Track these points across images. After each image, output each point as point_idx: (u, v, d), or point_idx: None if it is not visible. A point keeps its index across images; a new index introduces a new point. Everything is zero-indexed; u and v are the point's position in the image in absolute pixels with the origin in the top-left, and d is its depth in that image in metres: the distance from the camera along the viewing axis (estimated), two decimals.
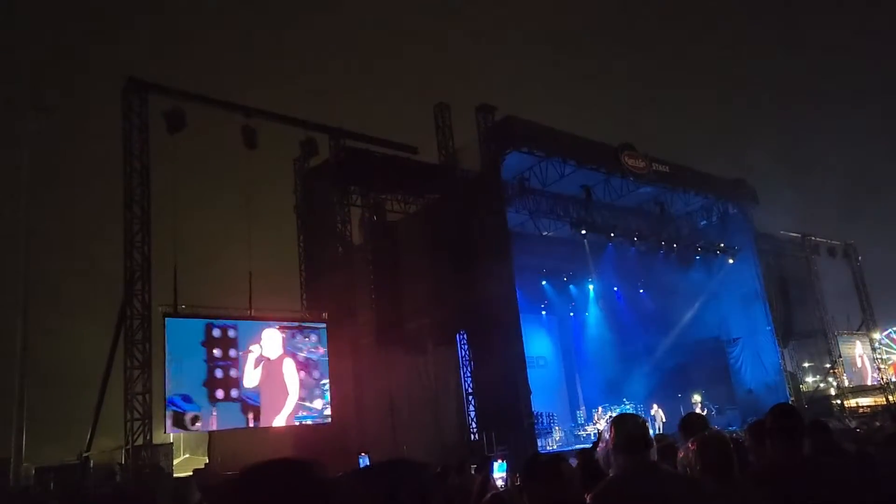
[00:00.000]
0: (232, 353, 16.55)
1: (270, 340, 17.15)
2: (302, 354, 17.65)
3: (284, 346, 17.41)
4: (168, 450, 16.01)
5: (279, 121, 18.64)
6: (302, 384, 17.44)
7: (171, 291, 16.21)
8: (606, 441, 3.10)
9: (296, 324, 17.99)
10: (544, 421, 22.95)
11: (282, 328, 17.49)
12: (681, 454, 3.43)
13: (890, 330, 38.60)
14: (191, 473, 14.94)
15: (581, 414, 25.92)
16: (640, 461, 2.87)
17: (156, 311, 15.90)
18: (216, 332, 16.45)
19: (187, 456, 18.42)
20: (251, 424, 16.55)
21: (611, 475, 2.97)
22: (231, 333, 16.67)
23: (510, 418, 17.94)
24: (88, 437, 15.39)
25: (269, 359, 17.00)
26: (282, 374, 17.19)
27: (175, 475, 15.46)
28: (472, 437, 18.39)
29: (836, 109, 38.82)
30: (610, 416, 23.58)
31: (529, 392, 18.91)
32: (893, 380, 36.23)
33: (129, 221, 15.86)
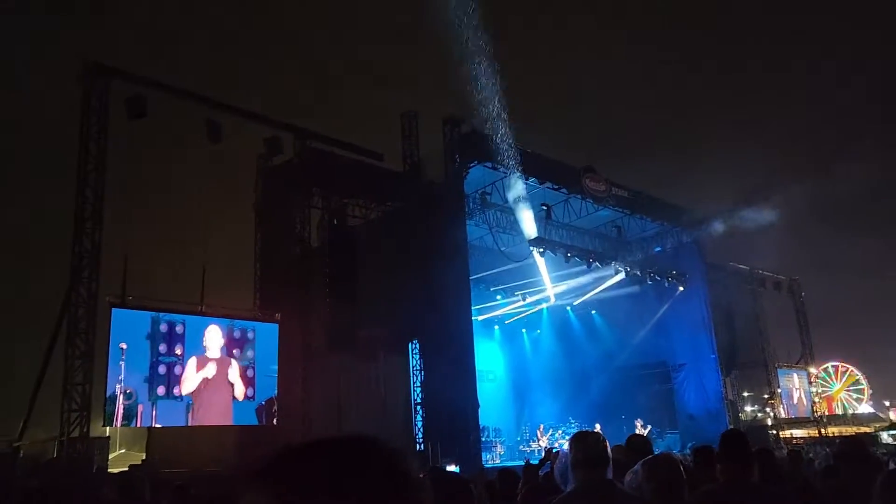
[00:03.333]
0: (178, 349, 16.22)
1: (212, 338, 16.84)
2: (243, 353, 17.38)
3: (227, 345, 17.10)
4: (104, 444, 15.54)
5: (245, 116, 18.42)
6: (245, 383, 17.17)
7: (118, 281, 15.83)
8: (564, 457, 3.14)
9: (241, 322, 17.69)
10: (490, 435, 23.05)
11: (227, 326, 17.18)
12: (628, 476, 3.49)
13: (827, 365, 40.00)
14: (127, 469, 14.53)
15: (526, 430, 26.09)
16: (597, 478, 2.92)
17: (102, 301, 15.49)
18: (163, 327, 16.11)
19: (123, 451, 17.92)
20: (191, 423, 16.22)
21: (568, 490, 3.02)
22: (178, 329, 16.33)
23: (457, 430, 17.96)
24: (21, 426, 14.85)
25: (210, 357, 16.69)
26: (222, 373, 16.86)
27: (109, 470, 15.01)
28: (418, 447, 18.34)
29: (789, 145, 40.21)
30: (551, 434, 23.93)
31: (478, 405, 18.98)
32: (826, 413, 37.50)
33: (80, 206, 15.43)
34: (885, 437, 26.52)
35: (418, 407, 19.06)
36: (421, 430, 18.75)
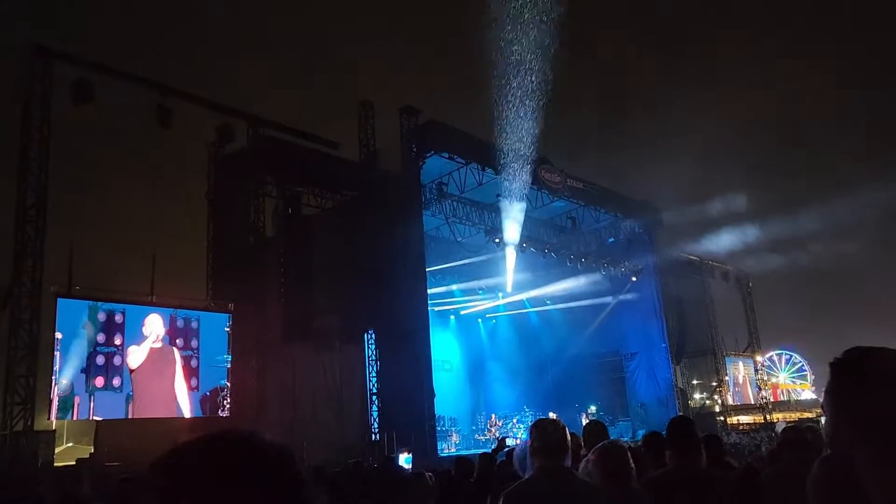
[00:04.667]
0: (117, 339, 15.79)
1: (153, 327, 16.45)
2: (187, 342, 17.04)
3: (170, 334, 16.74)
4: (50, 437, 15.09)
5: (196, 102, 18.04)
6: (188, 373, 16.88)
7: (64, 271, 15.39)
8: (524, 444, 3.18)
9: (185, 311, 17.36)
10: (446, 424, 23.18)
11: (170, 315, 16.81)
12: (582, 464, 3.56)
13: (772, 353, 41.28)
14: (73, 463, 14.18)
15: (481, 419, 26.30)
16: (555, 465, 2.96)
17: (46, 291, 15.03)
18: (102, 316, 15.66)
19: (70, 444, 17.41)
20: (131, 415, 15.84)
21: (526, 476, 3.06)
22: (118, 318, 15.88)
23: (412, 420, 17.98)
24: None
25: (150, 346, 16.34)
26: (164, 363, 16.51)
27: (56, 464, 14.62)
28: (374, 437, 18.33)
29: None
30: (503, 423, 24.17)
31: (433, 395, 19.03)
32: (772, 400, 38.75)
33: (23, 193, 14.93)
34: (825, 421, 27.53)
35: (374, 397, 19.02)
36: (376, 419, 18.73)
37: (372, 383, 19.17)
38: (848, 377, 1.44)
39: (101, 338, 15.51)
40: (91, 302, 15.59)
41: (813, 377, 41.99)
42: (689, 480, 3.48)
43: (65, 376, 14.87)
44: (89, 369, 15.23)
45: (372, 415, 18.85)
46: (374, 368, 19.27)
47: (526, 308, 29.61)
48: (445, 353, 27.37)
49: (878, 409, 1.36)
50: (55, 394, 14.64)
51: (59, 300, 14.99)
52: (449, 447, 22.25)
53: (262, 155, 18.83)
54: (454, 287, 28.03)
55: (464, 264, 25.89)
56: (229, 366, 17.62)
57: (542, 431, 3.06)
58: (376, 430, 18.50)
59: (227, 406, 17.39)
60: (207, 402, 17.19)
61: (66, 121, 15.69)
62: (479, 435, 24.76)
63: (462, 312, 29.56)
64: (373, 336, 19.49)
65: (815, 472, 2.30)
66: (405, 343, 18.73)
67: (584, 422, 22.86)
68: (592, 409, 24.78)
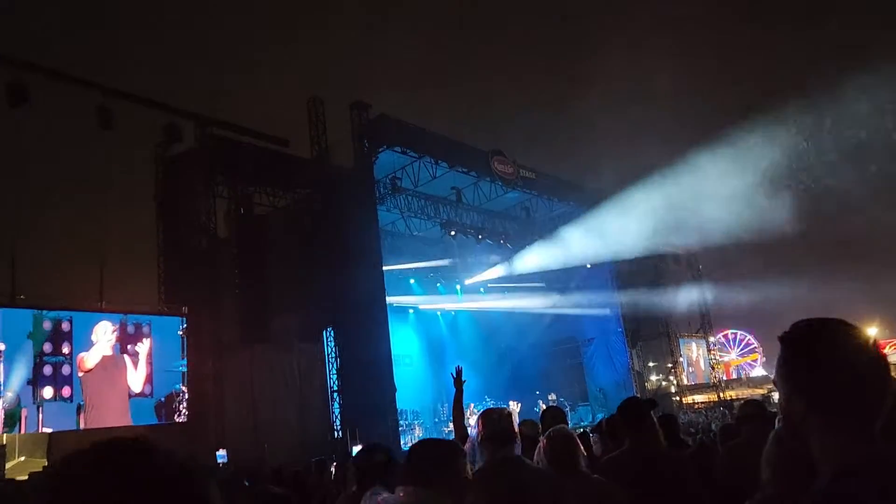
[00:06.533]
0: (65, 348, 15.31)
1: (102, 333, 16.04)
2: (138, 348, 16.66)
3: (120, 341, 16.35)
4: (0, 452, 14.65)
5: (139, 102, 17.58)
6: (141, 380, 16.54)
7: (7, 280, 14.92)
8: (473, 435, 3.21)
9: (135, 316, 16.97)
10: (408, 417, 23.22)
11: (120, 321, 16.41)
12: (536, 451, 3.62)
13: (723, 332, 42.42)
14: (27, 477, 13.78)
15: (443, 411, 26.39)
16: (504, 455, 2.99)
17: None
18: (47, 325, 15.16)
19: (23, 459, 16.90)
20: (83, 425, 15.40)
21: (476, 468, 3.08)
22: (65, 326, 15.38)
23: (375, 416, 17.97)
24: None
25: (104, 354, 15.93)
26: (115, 370, 16.13)
27: (7, 478, 14.17)
28: (336, 434, 18.25)
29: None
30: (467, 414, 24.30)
31: (395, 389, 19.04)
32: (724, 378, 39.81)
33: None
34: (776, 397, 28.40)
35: (335, 394, 18.93)
36: (338, 417, 18.65)
37: (332, 381, 19.07)
38: (796, 350, 1.50)
39: (47, 347, 15.03)
40: (36, 311, 15.10)
41: (763, 357, 43.29)
42: (644, 460, 3.57)
43: (10, 388, 14.37)
44: (36, 380, 14.75)
45: (334, 412, 18.76)
46: (335, 366, 19.16)
47: (484, 298, 29.79)
48: (405, 347, 27.38)
49: (826, 380, 1.42)
50: (0, 407, 14.16)
51: (3, 310, 14.50)
52: (413, 441, 22.28)
53: (212, 154, 18.48)
54: (411, 280, 28.05)
55: (420, 258, 25.92)
56: (184, 370, 17.28)
57: (489, 421, 3.09)
58: (339, 428, 18.42)
59: (185, 411, 17.06)
60: (163, 408, 16.84)
61: (1, 124, 15.18)
62: (442, 427, 24.84)
63: (420, 307, 29.59)
64: (332, 333, 19.36)
65: (769, 447, 2.38)
66: (364, 339, 18.68)
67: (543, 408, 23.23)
68: (552, 395, 25.09)
